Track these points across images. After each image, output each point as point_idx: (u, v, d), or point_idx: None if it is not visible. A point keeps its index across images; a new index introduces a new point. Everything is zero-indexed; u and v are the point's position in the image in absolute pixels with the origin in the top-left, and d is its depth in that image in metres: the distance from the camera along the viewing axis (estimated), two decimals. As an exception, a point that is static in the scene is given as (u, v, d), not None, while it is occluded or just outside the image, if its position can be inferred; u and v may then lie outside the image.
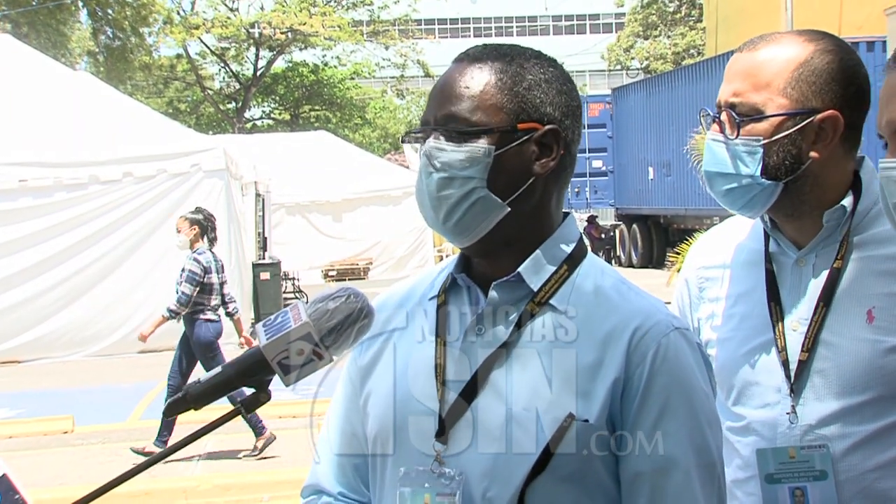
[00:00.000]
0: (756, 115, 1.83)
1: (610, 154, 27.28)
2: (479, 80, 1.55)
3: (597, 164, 27.34)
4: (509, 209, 1.55)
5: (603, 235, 28.95)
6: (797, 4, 20.37)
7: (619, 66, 50.39)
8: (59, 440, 8.05)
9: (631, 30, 48.07)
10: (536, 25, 69.04)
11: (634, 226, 26.54)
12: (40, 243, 12.63)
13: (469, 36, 66.71)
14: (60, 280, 12.85)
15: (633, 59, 48.40)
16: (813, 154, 1.83)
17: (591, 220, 29.55)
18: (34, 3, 32.32)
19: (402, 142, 1.72)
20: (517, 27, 69.55)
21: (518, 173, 1.55)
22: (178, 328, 13.33)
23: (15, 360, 12.78)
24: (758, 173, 1.83)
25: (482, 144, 1.53)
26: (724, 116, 1.87)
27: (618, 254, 27.81)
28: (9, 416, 9.72)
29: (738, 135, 1.84)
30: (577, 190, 27.53)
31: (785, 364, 1.86)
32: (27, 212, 12.72)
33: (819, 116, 1.82)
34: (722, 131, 1.87)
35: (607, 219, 31.38)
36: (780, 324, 1.88)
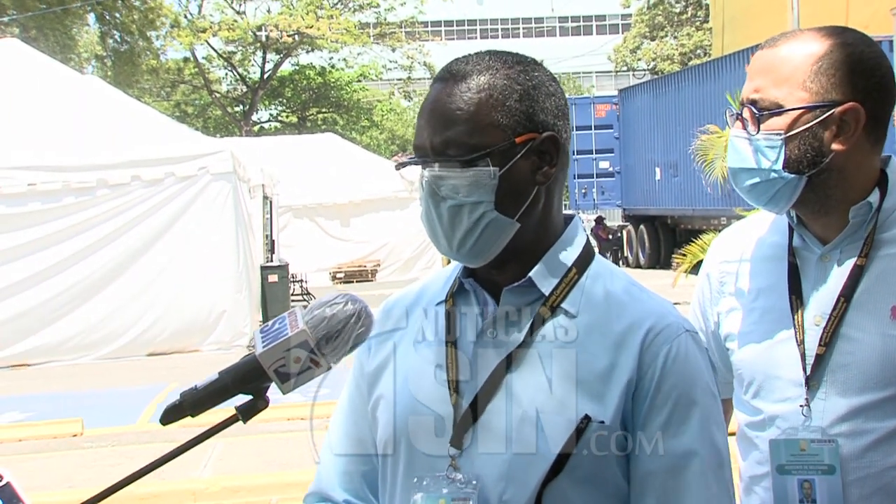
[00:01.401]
0: (776, 109, 1.83)
1: (617, 155, 27.24)
2: (469, 100, 1.52)
3: (604, 164, 27.30)
4: (519, 225, 1.54)
5: (610, 236, 28.96)
6: (803, 4, 20.32)
7: (625, 67, 50.32)
8: (68, 443, 8.05)
9: (637, 31, 48.01)
10: (543, 27, 69.01)
11: (642, 226, 26.51)
12: (49, 247, 12.64)
13: (475, 37, 66.71)
14: (70, 284, 12.86)
15: (639, 59, 48.34)
16: (836, 147, 1.82)
17: (599, 221, 29.56)
18: (42, 8, 32.40)
19: (397, 169, 1.69)
20: (524, 28, 69.52)
21: (523, 187, 1.53)
22: (186, 330, 13.39)
23: (24, 364, 12.80)
24: (780, 167, 1.83)
25: (485, 167, 1.51)
26: (745, 113, 1.87)
27: (625, 254, 27.78)
28: (18, 420, 9.72)
29: (759, 130, 1.84)
30: (584, 191, 27.51)
31: (802, 357, 1.85)
32: (36, 216, 12.73)
33: (840, 109, 1.81)
34: (744, 127, 1.87)
35: (614, 220, 31.35)
36: (799, 317, 1.87)
